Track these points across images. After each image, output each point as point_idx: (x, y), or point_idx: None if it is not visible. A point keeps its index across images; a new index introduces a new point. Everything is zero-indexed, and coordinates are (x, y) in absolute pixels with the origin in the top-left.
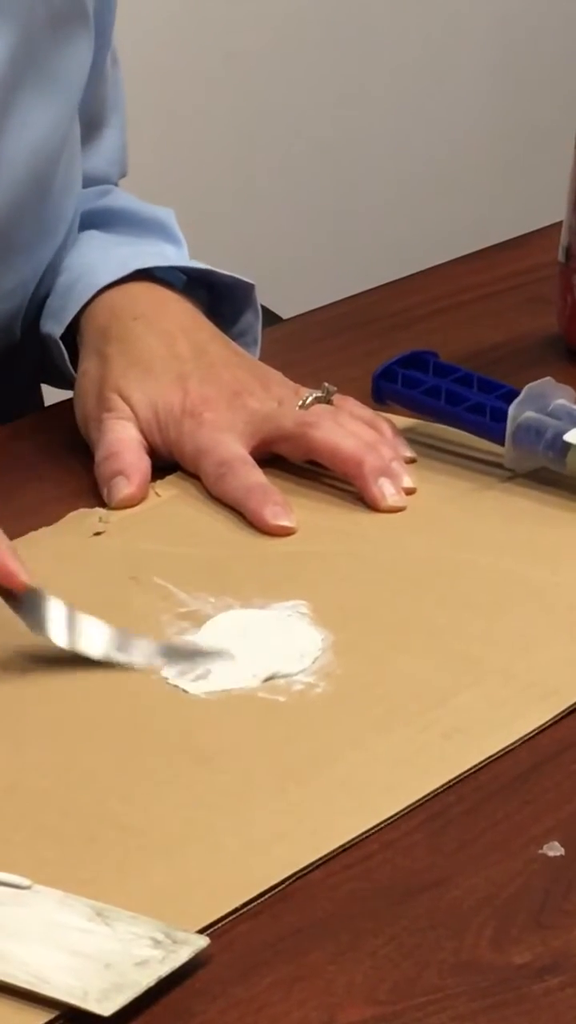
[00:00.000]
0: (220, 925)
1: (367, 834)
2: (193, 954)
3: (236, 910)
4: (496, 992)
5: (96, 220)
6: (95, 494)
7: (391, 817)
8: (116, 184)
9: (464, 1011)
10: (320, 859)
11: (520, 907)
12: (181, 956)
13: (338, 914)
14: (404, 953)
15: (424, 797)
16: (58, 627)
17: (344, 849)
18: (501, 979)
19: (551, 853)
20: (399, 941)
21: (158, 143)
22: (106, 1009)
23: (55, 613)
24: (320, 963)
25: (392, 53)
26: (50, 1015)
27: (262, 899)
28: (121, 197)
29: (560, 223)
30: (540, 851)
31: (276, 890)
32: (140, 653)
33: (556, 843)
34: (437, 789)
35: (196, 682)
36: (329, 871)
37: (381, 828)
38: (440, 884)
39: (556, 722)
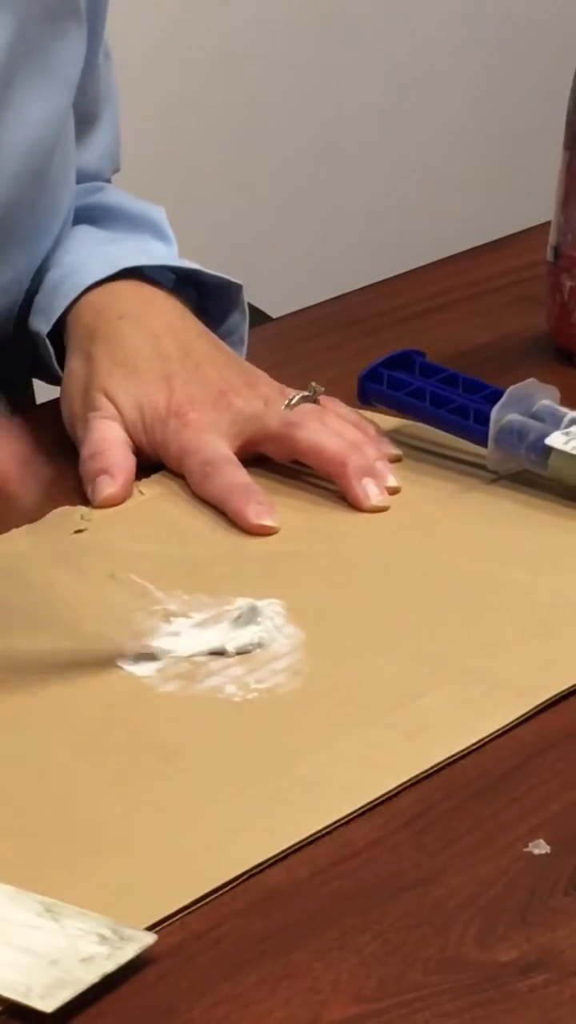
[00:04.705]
0: (170, 923)
1: (328, 830)
2: (139, 951)
3: (188, 906)
4: (481, 989)
5: (87, 216)
6: (81, 493)
7: (351, 815)
8: (109, 180)
9: (450, 1008)
10: (275, 856)
11: (506, 905)
12: (127, 953)
13: (324, 912)
14: (390, 951)
15: (384, 796)
16: None
17: (303, 845)
18: (486, 976)
19: (536, 851)
20: (385, 939)
21: (150, 141)
22: (49, 1005)
23: None
24: (306, 961)
25: (382, 56)
26: None
27: (214, 896)
28: (113, 194)
29: (548, 223)
30: (526, 849)
31: (228, 887)
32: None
33: (542, 841)
34: (397, 788)
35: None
36: (315, 869)
37: (350, 826)
38: (426, 882)
39: (541, 719)
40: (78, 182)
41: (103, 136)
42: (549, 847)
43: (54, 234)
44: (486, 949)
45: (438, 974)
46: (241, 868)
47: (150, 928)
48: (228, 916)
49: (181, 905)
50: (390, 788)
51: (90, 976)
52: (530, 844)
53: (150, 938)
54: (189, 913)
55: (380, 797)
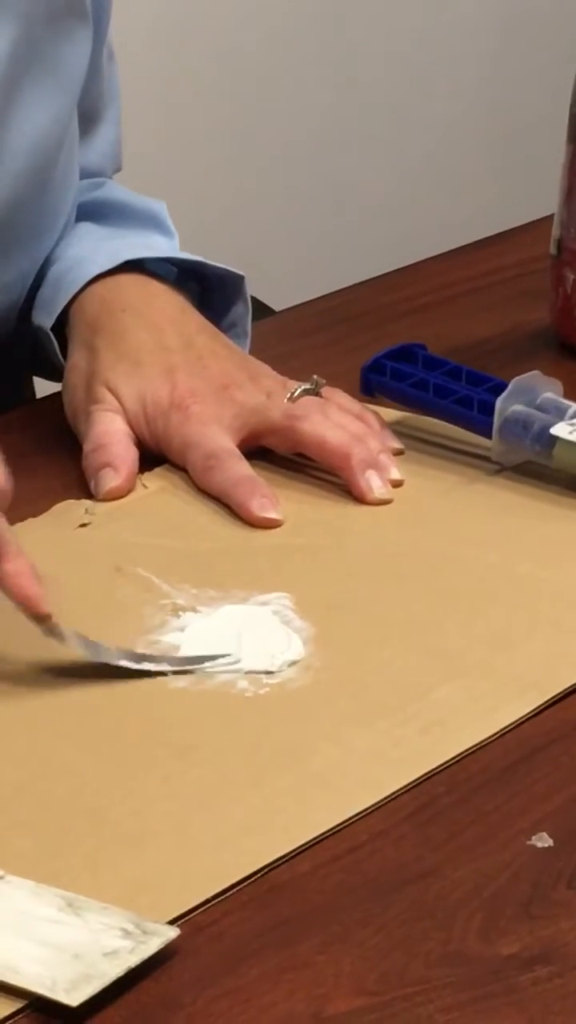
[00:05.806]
0: (192, 915)
1: (340, 827)
2: (162, 945)
3: (207, 902)
4: (484, 983)
5: (89, 212)
6: (84, 486)
7: (364, 810)
8: (110, 178)
9: (452, 1002)
10: (292, 852)
11: (508, 898)
12: (150, 947)
13: (327, 905)
14: (392, 944)
15: (398, 791)
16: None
17: (317, 842)
18: (489, 970)
19: (539, 844)
20: (387, 932)
21: (152, 136)
22: (74, 999)
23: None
24: (309, 954)
25: (386, 49)
26: (19, 1004)
27: (234, 890)
28: (114, 189)
29: (551, 216)
30: (529, 842)
31: (247, 882)
32: (150, 663)
33: (544, 834)
34: (411, 783)
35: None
36: (318, 862)
37: (354, 821)
38: (429, 875)
39: (545, 713)
40: (79, 180)
41: (105, 135)
42: (552, 840)
43: (57, 232)
44: (489, 943)
45: (440, 967)
46: (260, 863)
47: (172, 922)
48: (231, 909)
49: (201, 900)
50: (406, 783)
51: (115, 970)
52: (533, 837)
53: (173, 932)
54: (215, 906)
55: (396, 792)
